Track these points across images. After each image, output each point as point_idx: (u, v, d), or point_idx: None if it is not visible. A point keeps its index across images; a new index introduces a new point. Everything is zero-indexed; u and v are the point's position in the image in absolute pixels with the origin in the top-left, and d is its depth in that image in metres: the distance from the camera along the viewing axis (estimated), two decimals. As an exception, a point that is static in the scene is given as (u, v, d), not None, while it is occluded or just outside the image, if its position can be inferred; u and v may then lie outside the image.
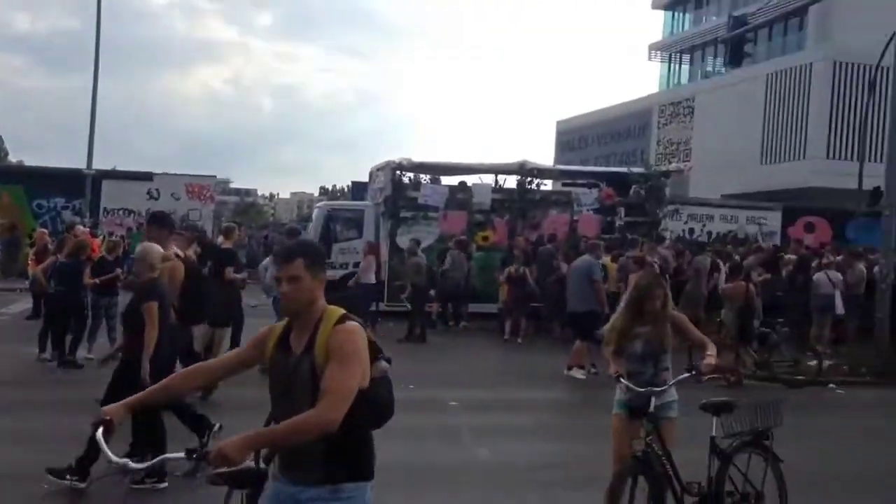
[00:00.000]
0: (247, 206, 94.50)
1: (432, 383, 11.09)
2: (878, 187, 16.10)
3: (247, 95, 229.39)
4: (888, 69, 14.45)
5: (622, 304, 5.47)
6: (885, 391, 12.04)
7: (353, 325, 3.05)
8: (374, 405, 3.06)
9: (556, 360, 12.47)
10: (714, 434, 5.10)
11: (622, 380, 5.12)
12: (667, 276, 11.96)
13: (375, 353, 3.11)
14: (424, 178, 19.08)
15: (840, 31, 40.34)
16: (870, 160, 22.73)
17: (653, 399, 4.96)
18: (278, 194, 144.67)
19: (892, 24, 13.80)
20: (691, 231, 21.53)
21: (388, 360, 3.16)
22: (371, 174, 20.53)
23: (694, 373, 5.10)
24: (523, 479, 6.98)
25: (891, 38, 14.52)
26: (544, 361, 13.00)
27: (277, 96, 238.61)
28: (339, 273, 17.56)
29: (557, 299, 14.92)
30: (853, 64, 32.78)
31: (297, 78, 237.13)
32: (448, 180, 19.29)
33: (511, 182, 19.42)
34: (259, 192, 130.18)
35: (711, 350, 5.15)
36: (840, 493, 6.89)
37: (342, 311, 3.10)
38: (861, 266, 14.90)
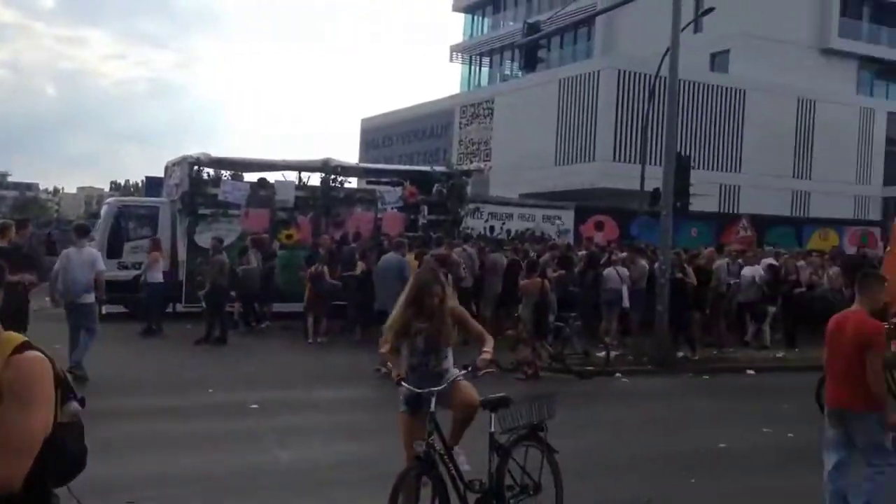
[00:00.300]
0: (27, 202, 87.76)
1: (232, 386, 10.77)
2: (658, 189, 17.37)
3: (27, 81, 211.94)
4: (665, 79, 15.59)
5: (400, 301, 5.44)
6: (664, 378, 13.01)
7: (35, 354, 2.42)
8: (61, 457, 2.46)
9: (359, 359, 12.45)
10: (493, 430, 5.23)
11: (403, 384, 5.17)
12: (447, 274, 12.08)
13: (65, 391, 2.51)
14: (225, 174, 18.51)
15: (623, 41, 43.36)
16: (650, 163, 24.48)
17: (433, 399, 5.03)
18: (63, 189, 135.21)
19: (667, 36, 14.87)
20: (492, 229, 22.18)
21: (82, 402, 2.59)
22: (166, 169, 19.59)
23: (470, 368, 5.20)
24: (327, 480, 6.92)
25: (666, 51, 15.67)
26: (347, 360, 12.96)
27: (62, 83, 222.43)
28: (132, 273, 16.65)
29: (360, 297, 14.94)
30: (635, 73, 35.17)
31: (85, 64, 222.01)
32: (251, 177, 18.82)
33: (315, 179, 19.22)
34: (42, 186, 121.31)
35: (488, 346, 5.27)
36: (620, 476, 7.34)
37: (22, 337, 2.47)
38: (643, 262, 15.99)
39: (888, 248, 12.91)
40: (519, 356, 12.43)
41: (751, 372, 13.83)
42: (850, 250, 23.18)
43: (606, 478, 7.21)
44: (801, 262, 17.71)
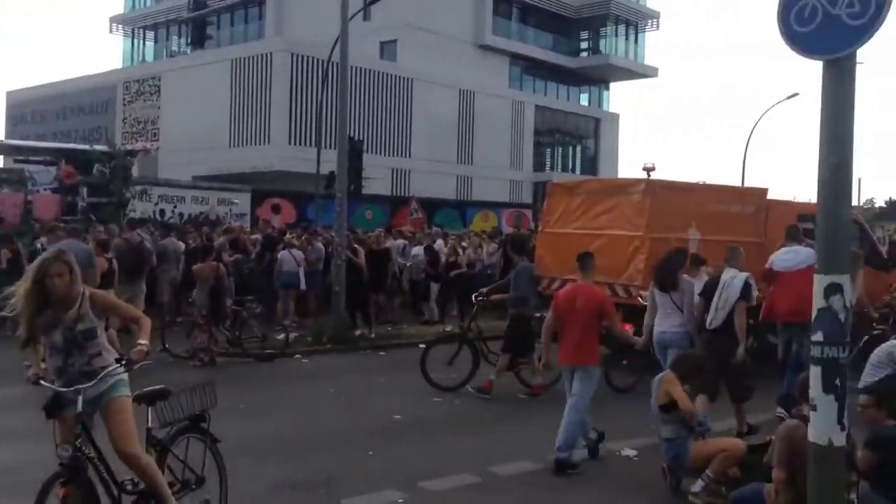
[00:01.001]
0: None
1: None
2: (333, 172, 17.62)
3: None
4: (337, 64, 15.79)
5: (20, 289, 4.73)
6: (343, 357, 13.26)
7: None
8: None
9: (6, 356, 11.14)
10: (150, 425, 4.90)
11: (42, 382, 4.62)
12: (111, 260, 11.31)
13: None
14: None
15: (295, 24, 43.31)
16: (325, 147, 24.79)
17: (80, 398, 4.55)
18: None
19: (338, 22, 15.05)
20: (162, 212, 21.12)
21: None
22: None
23: (125, 362, 4.69)
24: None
25: (337, 40, 15.85)
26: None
27: None
28: None
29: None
30: (309, 56, 35.30)
31: None
32: None
33: (-53, 157, 16.89)
34: None
35: (144, 336, 4.78)
36: (300, 455, 7.35)
37: None
38: (319, 244, 16.16)
39: (540, 228, 14.34)
40: (195, 342, 11.96)
41: (423, 346, 14.53)
42: (507, 230, 25.43)
43: (286, 459, 7.18)
44: (465, 242, 18.99)
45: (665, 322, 8.67)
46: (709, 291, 8.59)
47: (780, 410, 8.54)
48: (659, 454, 6.80)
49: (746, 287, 8.31)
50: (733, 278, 8.38)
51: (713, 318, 8.35)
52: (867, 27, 4.45)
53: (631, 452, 7.66)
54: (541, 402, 9.92)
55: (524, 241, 11.09)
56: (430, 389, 10.29)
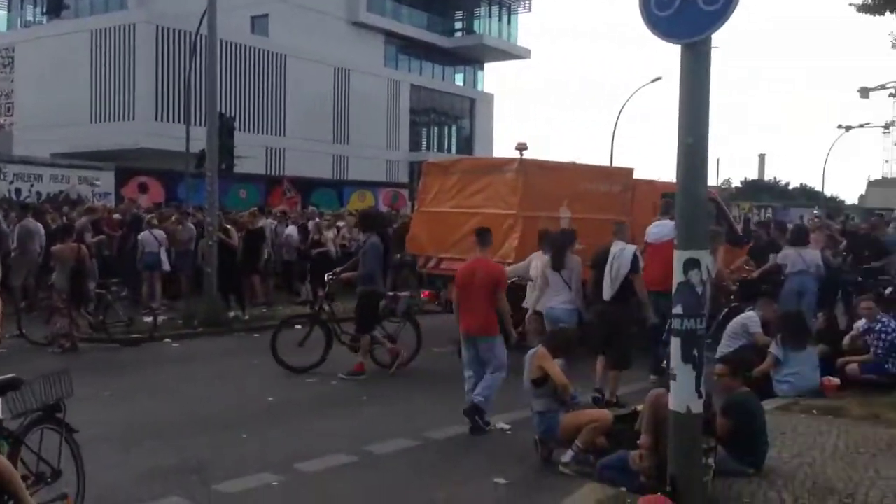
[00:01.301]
0: None
1: None
2: (203, 150, 17.05)
3: None
4: (205, 38, 15.22)
5: None
6: (215, 340, 12.89)
7: None
8: None
9: None
10: (1, 417, 4.62)
11: None
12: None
13: None
14: None
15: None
16: (195, 124, 23.93)
17: None
18: None
19: (206, -6, 14.50)
20: (18, 191, 19.96)
21: None
22: None
23: None
24: None
25: (205, 12, 15.29)
26: None
27: None
28: None
29: None
30: (175, 29, 33.95)
31: None
32: None
33: None
34: None
35: None
36: (171, 441, 7.13)
37: None
38: (190, 224, 15.65)
39: (416, 207, 14.36)
40: (55, 328, 11.38)
41: (298, 327, 14.35)
42: (384, 209, 25.37)
43: (154, 446, 6.94)
44: (342, 223, 18.76)
45: (555, 299, 9.18)
46: (598, 263, 9.00)
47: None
48: (531, 426, 6.98)
49: (635, 259, 8.80)
50: (622, 251, 8.82)
51: (609, 290, 8.76)
52: (721, 13, 4.67)
53: (505, 426, 7.82)
54: (413, 380, 9.98)
55: (373, 217, 11.05)
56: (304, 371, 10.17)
